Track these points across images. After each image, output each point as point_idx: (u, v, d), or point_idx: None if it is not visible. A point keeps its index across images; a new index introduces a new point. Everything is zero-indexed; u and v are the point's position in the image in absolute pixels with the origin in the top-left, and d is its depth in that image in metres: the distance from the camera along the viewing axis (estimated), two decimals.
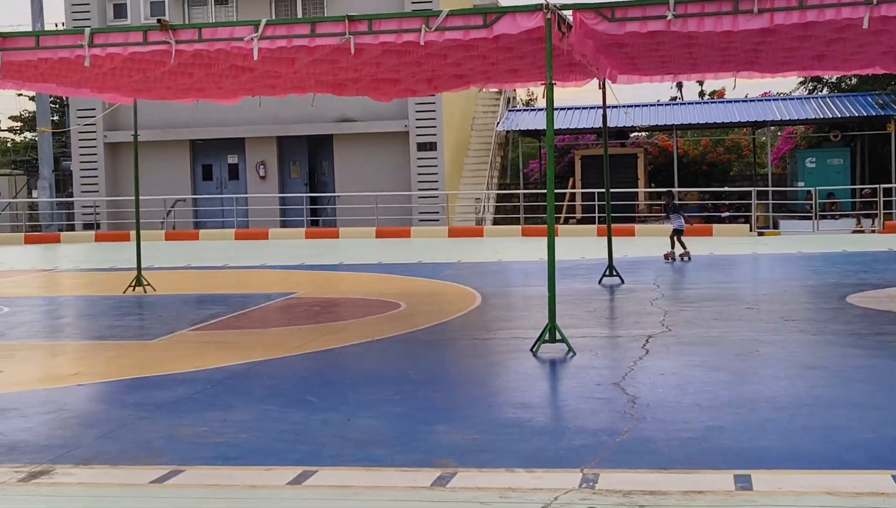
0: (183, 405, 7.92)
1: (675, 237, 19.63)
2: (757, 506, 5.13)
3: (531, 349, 9.75)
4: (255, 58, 9.94)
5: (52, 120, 36.91)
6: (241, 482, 5.81)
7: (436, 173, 31.81)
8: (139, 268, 16.56)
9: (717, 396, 7.69)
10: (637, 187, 31.68)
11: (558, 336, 9.74)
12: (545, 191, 31.49)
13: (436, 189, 31.69)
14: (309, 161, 33.58)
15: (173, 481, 5.89)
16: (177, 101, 15.80)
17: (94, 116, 31.48)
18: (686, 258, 19.33)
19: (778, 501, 5.19)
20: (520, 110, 35.66)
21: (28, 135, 59.27)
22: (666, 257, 19.47)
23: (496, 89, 33.36)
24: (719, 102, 35.15)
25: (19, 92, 51.16)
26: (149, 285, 16.24)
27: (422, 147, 31.84)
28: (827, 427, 6.71)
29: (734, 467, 5.78)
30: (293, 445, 6.63)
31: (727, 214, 30.61)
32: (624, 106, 30.94)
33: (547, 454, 6.27)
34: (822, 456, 6.02)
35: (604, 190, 28.17)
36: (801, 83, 35.41)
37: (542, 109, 34.69)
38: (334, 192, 32.71)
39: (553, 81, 10.01)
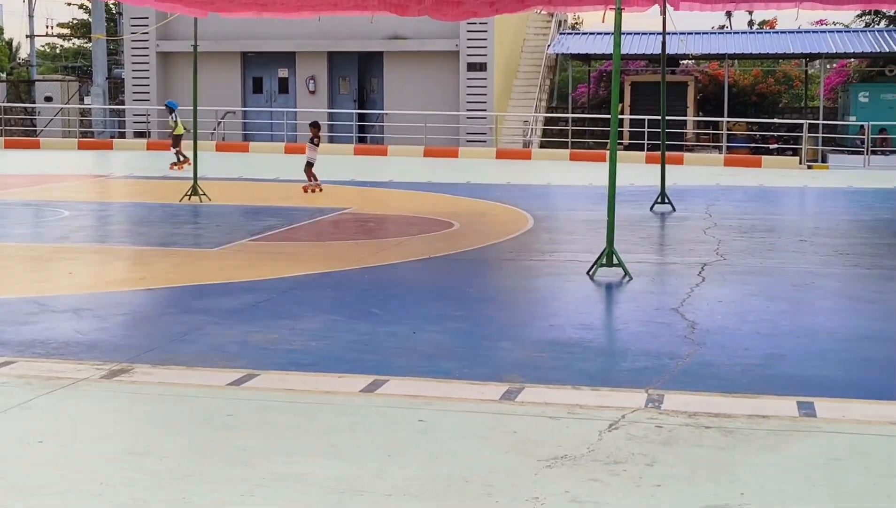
0: (251, 313, 8.13)
1: None
2: (822, 433, 5.26)
3: (588, 272, 9.87)
4: None
5: (105, 28, 36.99)
6: (315, 387, 6.00)
7: (484, 94, 31.71)
8: (195, 177, 16.75)
9: (776, 325, 7.80)
10: (686, 116, 31.45)
11: (615, 261, 9.85)
12: (593, 116, 31.48)
13: (484, 110, 31.62)
14: (358, 77, 33.54)
15: (249, 384, 6.10)
16: (238, 15, 15.85)
17: (147, 26, 31.55)
18: None
19: (842, 429, 5.32)
20: (571, 34, 35.35)
21: (77, 42, 59.43)
22: None
23: (551, 12, 33.05)
24: (771, 32, 34.66)
25: (69, 1, 51.24)
26: (204, 194, 16.45)
27: (472, 67, 31.71)
28: (887, 360, 6.81)
29: (797, 394, 5.91)
30: (362, 355, 6.82)
31: (776, 146, 30.37)
32: (679, 33, 30.59)
33: (611, 373, 6.43)
34: (884, 388, 6.14)
35: (652, 117, 28.24)
36: (858, 16, 34.82)
37: (592, 33, 34.36)
38: (383, 109, 32.71)
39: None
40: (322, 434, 5.18)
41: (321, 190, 17.95)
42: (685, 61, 35.67)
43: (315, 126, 18.90)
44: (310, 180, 18.16)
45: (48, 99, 35.54)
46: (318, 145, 18.50)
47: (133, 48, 33.71)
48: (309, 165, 18.30)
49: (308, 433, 5.21)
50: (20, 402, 5.61)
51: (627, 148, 30.29)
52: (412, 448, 4.99)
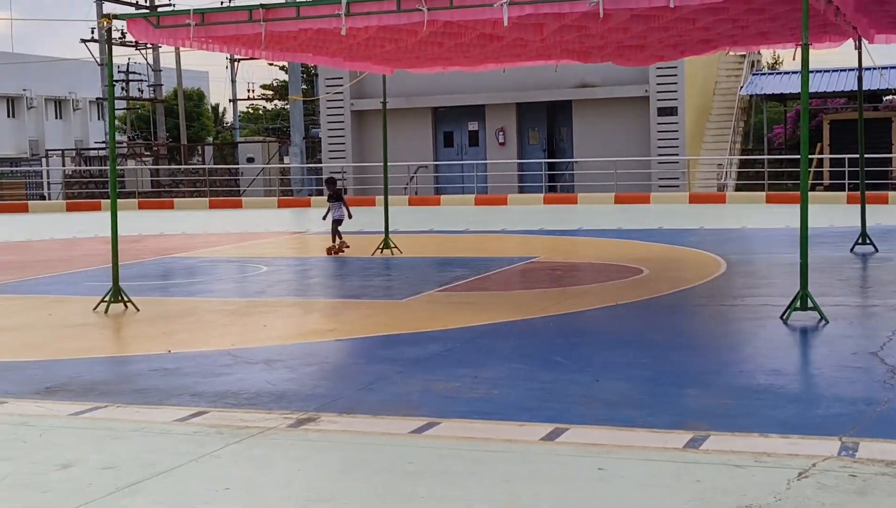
0: (435, 362, 8.20)
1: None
2: None
3: (781, 317, 9.55)
4: (506, 24, 10.06)
5: (302, 89, 38.38)
6: (495, 436, 5.99)
7: (676, 139, 31.31)
8: (386, 231, 17.11)
9: None
10: (891, 153, 30.21)
11: (810, 304, 9.50)
12: (790, 157, 30.60)
13: (676, 155, 31.21)
14: (547, 127, 33.67)
15: (431, 432, 6.13)
16: (424, 70, 16.18)
17: (341, 85, 32.56)
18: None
19: None
20: (764, 74, 34.58)
21: (278, 103, 61.86)
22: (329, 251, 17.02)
23: (741, 53, 32.47)
24: None
25: (270, 62, 53.42)
26: (395, 247, 16.76)
27: (662, 112, 31.40)
28: None
29: None
30: (544, 403, 6.77)
31: None
32: (879, 68, 29.51)
33: (802, 420, 6.17)
34: None
35: (853, 156, 27.21)
36: None
37: (787, 73, 33.53)
38: (572, 157, 32.71)
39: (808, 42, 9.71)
40: (502, 483, 5.15)
41: (348, 247, 16.98)
42: (889, 97, 34.33)
43: (330, 183, 17.87)
44: (334, 241, 17.04)
45: (250, 160, 37.07)
46: (341, 201, 17.24)
47: (328, 108, 34.84)
48: (337, 222, 17.03)
49: (487, 481, 5.19)
50: (211, 451, 5.80)
51: (828, 189, 29.33)
52: (591, 497, 4.90)
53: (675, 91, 31.16)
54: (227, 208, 32.22)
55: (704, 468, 5.30)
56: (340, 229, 17.21)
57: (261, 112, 66.22)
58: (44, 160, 46.59)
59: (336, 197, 17.41)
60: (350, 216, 17.21)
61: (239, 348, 8.96)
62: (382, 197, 19.01)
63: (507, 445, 5.80)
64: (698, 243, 17.19)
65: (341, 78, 32.88)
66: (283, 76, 54.44)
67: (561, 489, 5.02)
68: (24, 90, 60.66)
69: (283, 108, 58.68)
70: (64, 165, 43.53)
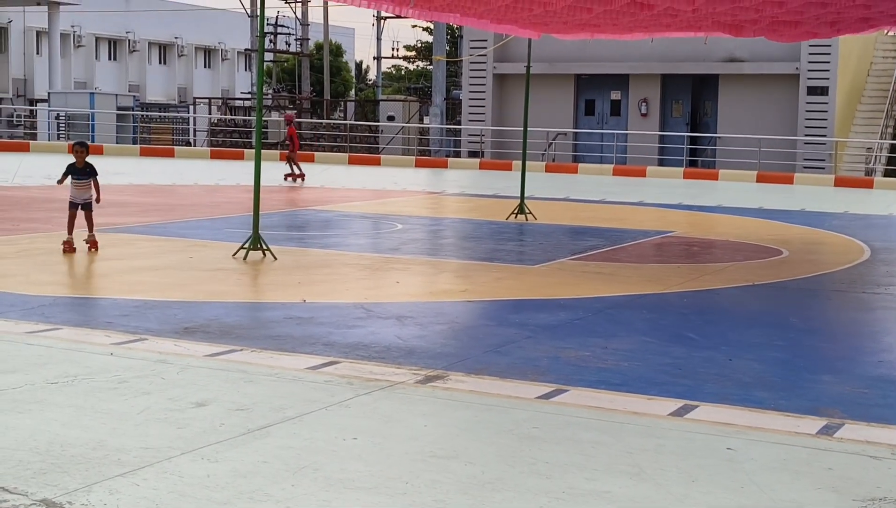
0: (565, 330, 8.17)
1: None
2: None
3: None
4: None
5: (446, 50, 38.47)
6: (623, 407, 5.94)
7: (825, 119, 30.44)
8: (522, 196, 17.07)
9: None
10: None
11: None
12: None
13: (824, 135, 30.34)
14: (692, 100, 33.09)
15: (557, 399, 6.11)
16: (571, 36, 16.03)
17: (485, 48, 32.52)
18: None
19: None
20: None
21: (420, 64, 62.17)
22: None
23: None
24: None
25: (415, 23, 53.67)
26: (530, 213, 16.71)
27: (812, 91, 30.53)
28: None
29: None
30: (674, 378, 6.69)
31: None
32: None
33: None
34: None
35: None
36: None
37: None
38: (716, 133, 32.09)
39: None
40: (626, 454, 5.11)
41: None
42: None
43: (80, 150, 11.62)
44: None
45: (391, 118, 37.40)
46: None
47: (471, 70, 34.85)
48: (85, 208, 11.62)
49: (612, 451, 5.16)
50: (341, 400, 5.90)
51: None
52: (717, 476, 4.83)
53: (828, 70, 30.25)
54: (366, 165, 32.58)
55: (837, 456, 5.17)
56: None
57: (403, 72, 66.67)
58: (191, 108, 47.86)
59: (88, 172, 11.70)
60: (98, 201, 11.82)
61: (372, 302, 9.08)
62: (520, 162, 18.95)
63: (635, 417, 5.75)
64: (842, 228, 16.71)
65: (485, 40, 32.84)
66: (427, 37, 54.66)
67: (687, 465, 4.96)
68: (176, 38, 62.28)
69: (426, 68, 58.94)
70: (210, 114, 44.60)
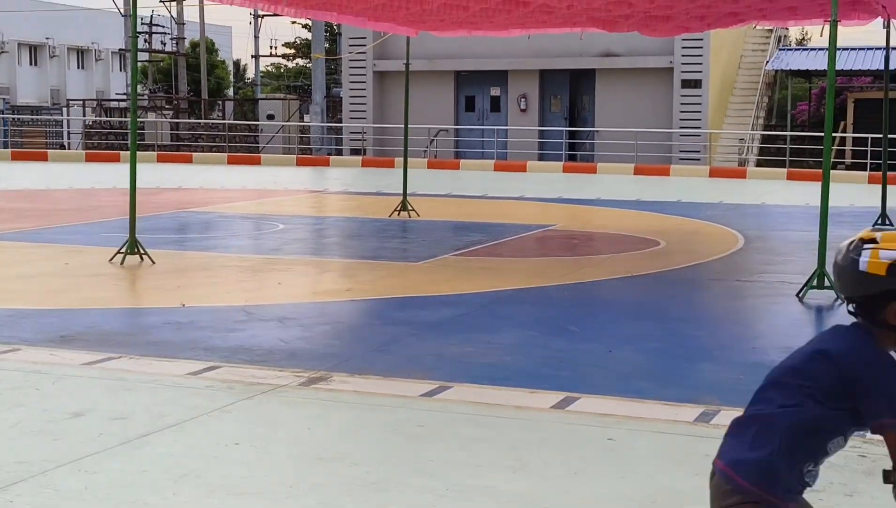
0: (449, 326, 8.20)
1: None
2: None
3: (797, 295, 9.51)
4: None
5: (325, 48, 38.28)
6: (506, 402, 5.99)
7: (699, 112, 31.13)
8: (405, 193, 17.09)
9: None
10: None
11: (827, 283, 9.45)
12: (813, 134, 30.39)
13: (698, 128, 31.04)
14: (570, 95, 33.50)
15: (442, 396, 6.13)
16: (449, 34, 16.09)
17: (364, 45, 32.43)
18: None
19: None
20: (791, 49, 34.31)
21: (300, 61, 61.70)
22: None
23: (768, 27, 32.20)
24: None
25: (293, 20, 53.23)
26: (413, 210, 16.74)
27: (686, 84, 31.19)
28: None
29: None
30: (556, 371, 6.77)
31: None
32: None
33: None
34: None
35: (876, 135, 26.99)
36: None
37: (814, 49, 33.26)
38: (594, 127, 32.57)
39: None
40: (509, 449, 5.15)
41: None
42: None
43: None
44: None
45: (270, 117, 37.01)
46: None
47: (351, 67, 34.72)
48: None
49: (495, 446, 5.19)
50: (222, 406, 5.82)
51: (850, 168, 29.15)
52: (600, 466, 4.91)
53: (700, 64, 30.94)
54: (246, 165, 32.21)
55: (714, 442, 5.24)
56: None
57: (282, 70, 66.11)
58: (64, 110, 46.65)
59: None
60: None
61: (253, 304, 8.98)
62: (402, 159, 18.96)
63: (518, 412, 5.80)
64: (717, 218, 17.12)
65: (364, 38, 32.73)
66: (306, 34, 54.27)
67: (569, 457, 5.02)
68: (47, 39, 60.67)
69: (305, 66, 58.54)
70: (84, 116, 43.57)
